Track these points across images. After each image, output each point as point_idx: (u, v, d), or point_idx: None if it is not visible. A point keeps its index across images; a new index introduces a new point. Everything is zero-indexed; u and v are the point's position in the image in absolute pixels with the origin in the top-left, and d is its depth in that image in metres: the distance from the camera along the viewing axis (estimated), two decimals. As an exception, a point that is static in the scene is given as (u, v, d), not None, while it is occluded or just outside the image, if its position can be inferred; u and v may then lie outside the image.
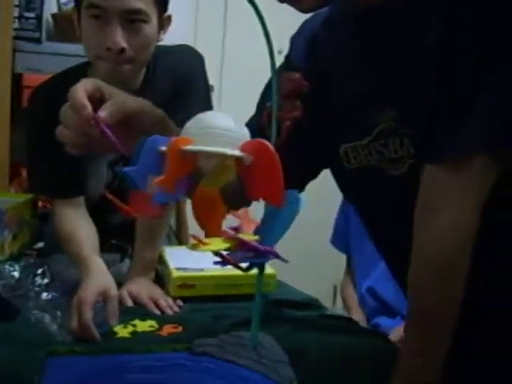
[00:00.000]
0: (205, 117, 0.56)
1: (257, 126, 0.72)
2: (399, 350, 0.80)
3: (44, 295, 1.09)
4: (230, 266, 1.19)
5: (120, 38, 1.10)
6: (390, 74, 0.75)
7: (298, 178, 0.89)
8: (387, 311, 1.52)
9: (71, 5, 2.21)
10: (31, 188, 1.35)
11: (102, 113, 0.64)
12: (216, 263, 0.62)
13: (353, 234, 1.61)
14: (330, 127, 0.87)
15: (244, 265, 0.66)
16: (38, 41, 2.17)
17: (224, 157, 0.55)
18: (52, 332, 0.98)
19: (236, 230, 0.66)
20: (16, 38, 2.12)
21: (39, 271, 1.13)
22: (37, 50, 2.16)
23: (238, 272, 1.20)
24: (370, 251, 1.37)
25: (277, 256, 0.61)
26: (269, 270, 1.21)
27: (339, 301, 3.16)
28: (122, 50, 1.11)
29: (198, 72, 1.30)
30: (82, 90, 0.65)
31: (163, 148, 0.56)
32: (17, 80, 2.11)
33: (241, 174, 0.56)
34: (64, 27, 2.20)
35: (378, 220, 0.90)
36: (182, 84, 1.25)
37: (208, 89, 1.33)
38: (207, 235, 0.63)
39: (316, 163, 0.96)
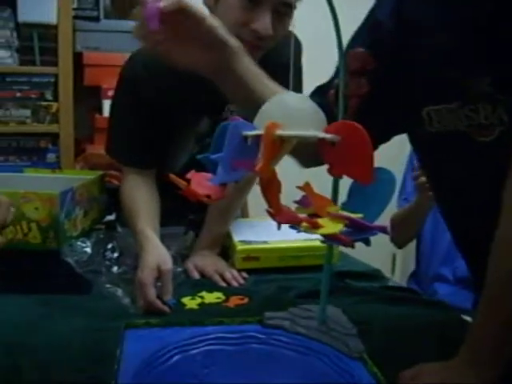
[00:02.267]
0: (286, 99, 0.57)
1: (322, 102, 0.72)
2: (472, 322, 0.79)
3: (115, 269, 1.14)
4: (293, 238, 1.21)
5: (270, 25, 1.10)
6: (487, 37, 0.72)
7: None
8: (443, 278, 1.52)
9: (127, -18, 2.25)
10: (107, 151, 1.36)
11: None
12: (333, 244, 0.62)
13: None
14: (412, 88, 0.84)
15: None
16: (97, 19, 2.20)
17: (311, 138, 0.55)
18: (125, 305, 1.02)
19: (301, 202, 0.67)
20: (75, 17, 2.16)
21: (109, 246, 1.18)
22: (95, 29, 2.20)
23: (301, 243, 1.24)
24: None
25: (386, 231, 0.62)
26: (332, 242, 1.22)
27: (398, 270, 3.16)
28: (268, 36, 1.11)
29: (295, 59, 1.29)
30: None
31: (249, 133, 0.57)
32: (78, 59, 2.16)
33: (324, 154, 0.56)
34: (121, 4, 2.22)
35: (457, 185, 0.87)
36: (279, 70, 1.24)
37: (301, 75, 1.32)
38: (274, 210, 0.64)
39: (392, 126, 0.93)
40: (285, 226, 1.23)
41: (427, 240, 1.59)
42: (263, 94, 0.77)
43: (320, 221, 0.57)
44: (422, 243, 1.62)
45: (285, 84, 1.22)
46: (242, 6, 1.09)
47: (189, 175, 0.65)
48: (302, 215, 0.65)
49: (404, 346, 0.87)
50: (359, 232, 0.59)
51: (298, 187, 0.66)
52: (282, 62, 1.10)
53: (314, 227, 0.57)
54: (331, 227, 0.56)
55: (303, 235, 1.28)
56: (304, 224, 0.58)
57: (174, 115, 1.27)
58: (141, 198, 1.26)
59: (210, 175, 0.64)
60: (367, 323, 0.92)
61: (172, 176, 0.65)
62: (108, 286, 1.07)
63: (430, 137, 0.83)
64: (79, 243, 1.12)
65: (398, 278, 2.87)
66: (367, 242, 0.62)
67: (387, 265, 3.13)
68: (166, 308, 1.00)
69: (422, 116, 0.82)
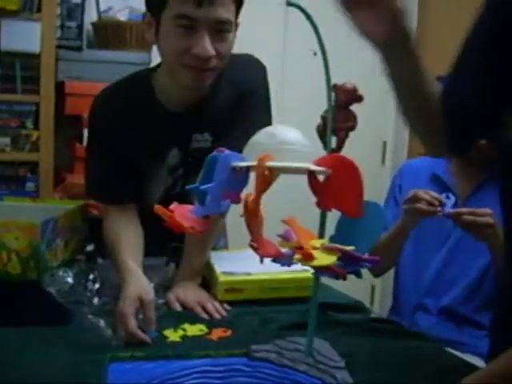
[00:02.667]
0: (276, 131, 0.58)
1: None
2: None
3: (96, 300, 1.12)
4: (275, 270, 1.21)
5: (209, 46, 1.12)
6: None
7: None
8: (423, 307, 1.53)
9: (110, 13, 2.27)
10: (87, 192, 1.38)
11: None
12: (325, 276, 0.62)
13: None
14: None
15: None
16: (79, 49, 2.22)
17: (302, 170, 0.56)
18: (107, 336, 1.00)
19: (284, 236, 0.67)
20: (58, 46, 2.17)
21: (91, 277, 1.16)
22: (78, 58, 2.21)
23: (283, 275, 1.24)
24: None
25: (378, 263, 0.62)
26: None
27: (377, 302, 3.16)
28: (210, 57, 1.13)
29: (260, 85, 1.30)
30: None
31: (240, 164, 0.57)
32: (59, 88, 2.16)
33: (312, 186, 0.57)
34: (104, 34, 2.24)
35: None
36: (244, 97, 1.26)
37: (269, 101, 1.33)
38: (257, 244, 0.64)
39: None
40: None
41: (408, 270, 1.60)
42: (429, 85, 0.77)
43: (314, 252, 0.57)
44: (401, 274, 1.62)
45: (251, 109, 1.25)
46: (180, 34, 1.11)
47: (171, 207, 0.65)
48: (285, 249, 0.65)
49: (390, 378, 0.87)
50: (350, 264, 0.59)
51: (283, 221, 0.67)
52: (247, 88, 1.12)
53: (307, 259, 0.57)
54: (325, 259, 0.56)
55: (286, 267, 1.29)
56: (297, 256, 0.58)
57: (142, 151, 1.30)
58: (123, 231, 1.27)
59: (191, 207, 0.64)
60: (352, 355, 0.92)
61: (157, 207, 0.65)
62: (90, 316, 1.05)
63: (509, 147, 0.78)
64: (61, 273, 1.11)
65: (377, 310, 2.88)
66: (358, 274, 0.63)
67: (366, 296, 3.13)
68: (147, 338, 0.99)
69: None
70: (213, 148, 0.66)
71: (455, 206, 1.39)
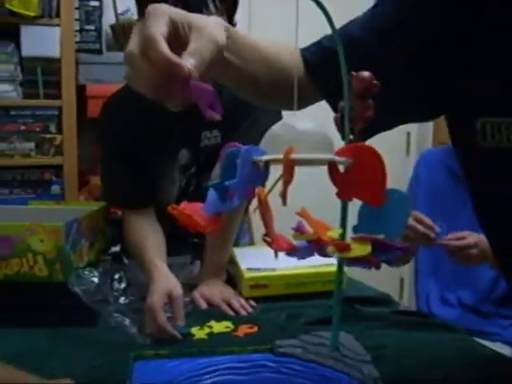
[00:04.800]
0: (294, 123, 0.57)
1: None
2: None
3: (122, 299, 1.12)
4: (300, 264, 1.20)
5: None
6: None
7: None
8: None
9: (128, 15, 2.28)
10: (105, 199, 1.41)
11: (188, 61, 0.54)
12: (359, 267, 0.61)
13: None
14: (469, 93, 0.74)
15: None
16: (99, 52, 2.23)
17: (324, 162, 0.55)
18: (132, 334, 1.01)
19: (297, 229, 0.66)
20: (78, 50, 2.19)
21: (116, 276, 1.17)
22: (98, 61, 2.23)
23: (310, 270, 1.23)
24: None
25: (408, 250, 0.61)
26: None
27: (406, 294, 3.13)
28: None
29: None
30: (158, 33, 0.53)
31: (263, 157, 0.56)
32: (81, 91, 2.18)
33: (333, 177, 0.56)
34: (123, 36, 2.25)
35: (506, 205, 0.78)
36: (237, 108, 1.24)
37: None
38: (271, 239, 0.63)
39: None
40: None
41: (427, 262, 1.56)
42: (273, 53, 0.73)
43: (350, 243, 0.57)
44: (419, 264, 1.59)
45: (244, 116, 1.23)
46: None
47: (182, 206, 0.65)
48: (300, 241, 0.64)
49: (418, 372, 0.85)
50: (383, 253, 0.58)
51: (296, 213, 0.65)
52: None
53: (343, 250, 0.56)
54: (360, 249, 0.55)
55: (311, 262, 1.28)
56: (330, 248, 0.57)
57: (153, 153, 1.31)
58: (144, 233, 1.28)
59: (202, 205, 0.63)
60: (379, 349, 0.91)
61: (170, 208, 0.64)
62: (115, 315, 1.06)
63: (480, 153, 0.75)
64: (86, 273, 1.11)
65: (406, 303, 2.84)
66: (390, 263, 0.61)
67: (396, 290, 3.10)
68: (177, 334, 0.99)
69: (476, 126, 0.73)
70: (223, 144, 0.64)
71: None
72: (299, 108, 0.60)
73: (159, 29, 0.54)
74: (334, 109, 0.69)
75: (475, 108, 0.74)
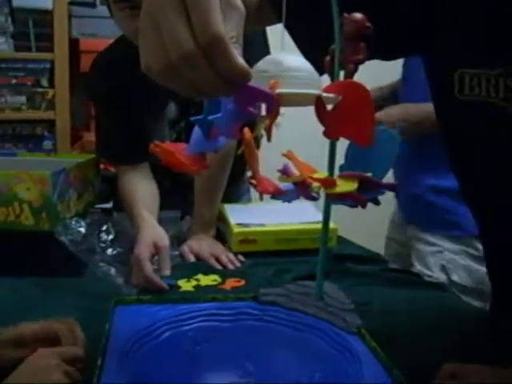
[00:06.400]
0: (281, 59, 0.54)
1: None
2: None
3: (109, 251, 1.11)
4: (290, 221, 1.19)
5: None
6: None
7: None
8: None
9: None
10: (99, 154, 1.41)
11: None
12: (345, 204, 0.59)
13: None
14: (449, 44, 0.72)
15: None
16: (93, 5, 2.18)
17: (310, 98, 0.53)
18: (118, 285, 1.00)
19: (283, 171, 0.64)
20: (71, 3, 2.14)
21: (104, 228, 1.16)
22: (91, 15, 2.18)
23: (299, 226, 1.22)
24: None
25: (395, 189, 0.60)
26: (331, 224, 1.20)
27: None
28: None
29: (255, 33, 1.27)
30: None
31: None
32: (74, 45, 2.14)
33: (320, 115, 0.54)
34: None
35: (486, 163, 0.76)
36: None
37: (267, 40, 1.30)
38: (256, 182, 0.62)
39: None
40: (282, 210, 1.22)
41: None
42: None
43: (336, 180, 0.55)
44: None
45: (247, 47, 1.19)
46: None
47: (165, 144, 0.63)
48: (285, 184, 0.63)
49: (404, 328, 0.85)
50: (369, 191, 0.57)
51: (282, 154, 0.64)
52: None
53: (328, 186, 0.54)
54: (346, 185, 0.54)
55: (301, 218, 1.26)
56: (315, 184, 0.56)
57: (143, 108, 1.30)
58: (138, 188, 1.28)
59: (185, 145, 0.62)
60: (366, 305, 0.90)
61: (152, 146, 0.62)
62: (102, 264, 1.05)
63: (456, 105, 0.73)
64: (73, 223, 1.10)
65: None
66: (377, 202, 0.60)
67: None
68: (164, 284, 0.98)
69: (454, 78, 0.72)
70: None
71: None
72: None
73: None
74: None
75: (454, 59, 0.72)
